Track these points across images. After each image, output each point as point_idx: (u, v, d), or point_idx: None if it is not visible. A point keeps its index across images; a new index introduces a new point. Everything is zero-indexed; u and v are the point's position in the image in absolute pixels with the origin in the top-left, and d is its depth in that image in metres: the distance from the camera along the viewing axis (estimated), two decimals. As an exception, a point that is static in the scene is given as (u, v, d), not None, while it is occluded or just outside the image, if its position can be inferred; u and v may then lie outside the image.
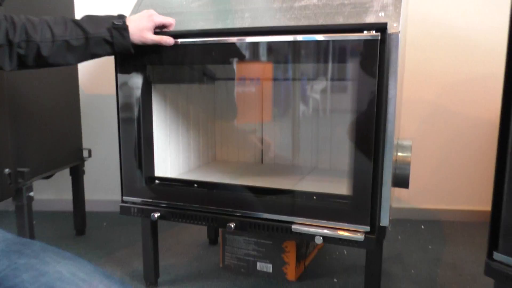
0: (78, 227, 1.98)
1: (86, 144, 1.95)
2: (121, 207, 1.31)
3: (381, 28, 0.98)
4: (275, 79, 1.61)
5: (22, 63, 1.04)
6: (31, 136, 1.53)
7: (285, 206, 1.14)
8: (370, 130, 1.02)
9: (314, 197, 1.13)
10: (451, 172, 2.21)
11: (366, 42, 0.99)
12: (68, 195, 1.97)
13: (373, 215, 1.06)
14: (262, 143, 1.74)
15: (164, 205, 1.26)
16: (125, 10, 1.42)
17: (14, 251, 0.71)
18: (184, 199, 1.24)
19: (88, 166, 2.03)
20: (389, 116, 1.04)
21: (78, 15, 1.37)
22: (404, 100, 2.12)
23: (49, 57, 1.05)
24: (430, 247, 1.88)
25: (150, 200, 1.28)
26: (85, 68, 2.13)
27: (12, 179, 1.38)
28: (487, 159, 2.16)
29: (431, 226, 2.13)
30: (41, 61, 1.05)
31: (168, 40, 1.15)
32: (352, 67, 1.03)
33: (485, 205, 2.17)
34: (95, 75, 2.24)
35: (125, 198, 1.30)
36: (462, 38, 2.09)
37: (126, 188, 1.30)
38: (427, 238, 1.98)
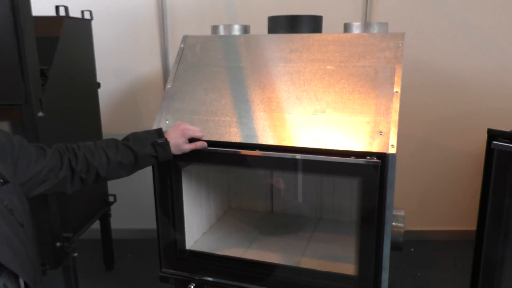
0: (107, 264, 2.23)
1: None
2: (161, 276, 1.55)
3: (382, 156, 1.19)
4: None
5: (81, 184, 1.23)
6: (70, 198, 1.72)
7: (296, 284, 1.38)
8: (373, 232, 1.26)
9: (330, 276, 1.37)
10: (438, 198, 2.48)
11: (369, 166, 1.21)
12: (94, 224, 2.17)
13: (374, 295, 1.31)
14: (271, 194, 1.97)
15: (197, 277, 1.50)
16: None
17: None
18: (214, 272, 1.48)
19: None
20: (387, 220, 1.27)
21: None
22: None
23: (106, 176, 1.25)
24: (419, 274, 2.16)
25: (185, 273, 1.51)
26: (106, 116, 2.30)
27: (62, 249, 1.60)
28: (469, 186, 2.42)
29: (420, 247, 2.41)
30: (98, 180, 1.25)
31: (203, 145, 1.36)
32: (356, 181, 1.25)
33: (465, 225, 2.45)
34: (117, 119, 2.41)
35: (164, 270, 1.54)
36: (449, 79, 2.30)
37: (164, 261, 1.53)
38: (416, 262, 2.26)
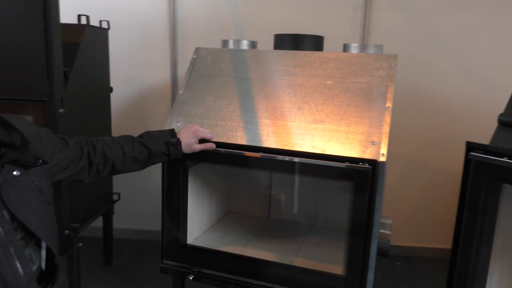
0: (106, 259, 2.32)
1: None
2: (161, 267, 1.65)
3: (372, 162, 1.33)
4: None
5: (98, 175, 1.35)
6: (79, 192, 1.84)
7: (292, 281, 1.49)
8: (362, 233, 1.38)
9: (319, 275, 1.49)
10: (424, 215, 2.60)
11: (361, 171, 1.34)
12: (96, 222, 2.27)
13: (360, 292, 1.42)
14: (269, 200, 2.09)
15: (196, 269, 1.61)
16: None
17: None
18: (212, 266, 1.59)
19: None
20: (375, 222, 1.39)
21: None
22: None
23: (120, 169, 1.36)
24: (403, 286, 2.27)
25: (185, 265, 1.62)
26: (116, 117, 2.43)
27: (69, 237, 1.70)
28: (455, 205, 2.55)
29: (406, 262, 2.53)
30: (114, 172, 1.37)
31: (211, 146, 1.48)
32: (349, 185, 1.38)
33: (449, 243, 2.57)
34: (126, 120, 2.53)
35: (165, 261, 1.64)
36: (436, 102, 2.46)
37: (166, 253, 1.64)
38: (402, 276, 2.37)
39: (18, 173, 0.94)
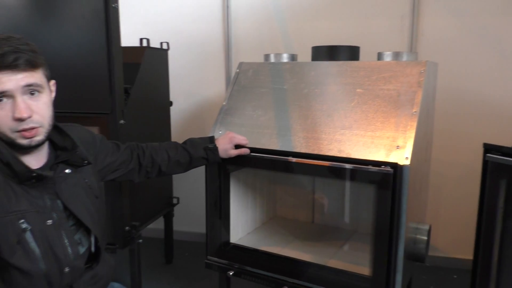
0: (167, 258, 2.55)
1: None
2: (206, 263, 1.81)
3: (394, 165, 1.37)
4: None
5: (147, 176, 1.55)
6: (140, 194, 2.07)
7: (325, 280, 1.56)
8: (386, 234, 1.42)
9: (347, 274, 1.54)
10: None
11: (383, 174, 1.39)
12: (159, 224, 2.51)
13: (387, 294, 1.45)
14: (313, 206, 2.17)
15: (236, 266, 1.74)
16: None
17: None
18: (251, 263, 1.71)
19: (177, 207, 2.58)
20: (401, 225, 1.42)
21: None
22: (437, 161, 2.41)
23: (166, 171, 1.56)
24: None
25: (227, 262, 1.76)
26: (176, 129, 2.67)
27: (130, 233, 1.93)
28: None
29: (464, 275, 2.43)
30: (160, 174, 1.56)
31: (246, 151, 1.62)
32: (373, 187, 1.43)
33: None
34: (184, 131, 2.78)
35: (209, 257, 1.80)
36: (493, 109, 2.35)
37: (210, 249, 1.80)
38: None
39: (70, 171, 1.16)
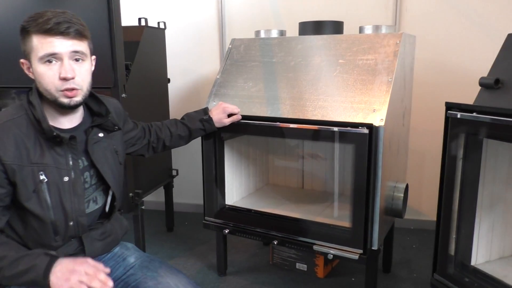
0: (168, 226, 2.72)
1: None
2: (204, 223, 1.98)
3: (369, 126, 1.53)
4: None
5: (154, 151, 1.70)
6: (142, 166, 2.23)
7: (310, 232, 1.73)
8: (363, 189, 1.58)
9: (329, 227, 1.71)
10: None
11: (360, 134, 1.54)
12: (160, 198, 2.69)
13: (366, 242, 1.62)
14: (303, 173, 2.33)
15: (231, 224, 1.91)
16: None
17: (144, 266, 1.33)
18: (244, 222, 1.88)
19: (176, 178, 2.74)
20: (377, 181, 1.58)
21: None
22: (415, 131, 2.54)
23: (170, 145, 1.72)
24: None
25: (222, 221, 1.93)
26: (174, 104, 2.82)
27: (134, 199, 2.10)
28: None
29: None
30: (165, 148, 1.72)
31: (238, 118, 1.78)
32: (352, 147, 1.59)
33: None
34: (182, 107, 2.92)
35: (206, 218, 1.97)
36: (469, 76, 2.48)
37: (207, 211, 1.96)
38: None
39: (102, 135, 1.31)
